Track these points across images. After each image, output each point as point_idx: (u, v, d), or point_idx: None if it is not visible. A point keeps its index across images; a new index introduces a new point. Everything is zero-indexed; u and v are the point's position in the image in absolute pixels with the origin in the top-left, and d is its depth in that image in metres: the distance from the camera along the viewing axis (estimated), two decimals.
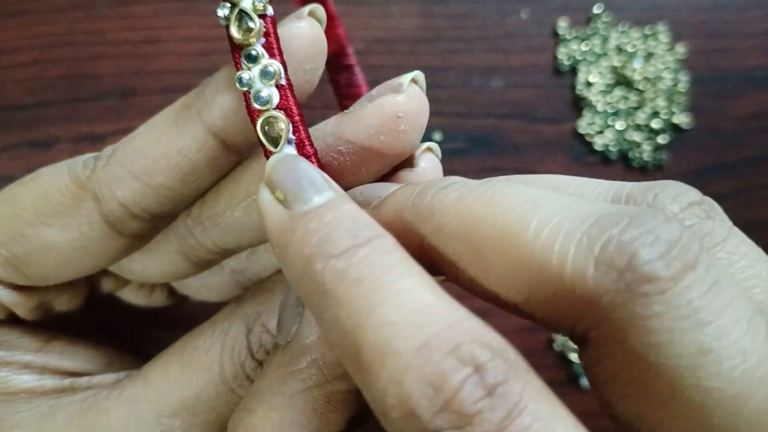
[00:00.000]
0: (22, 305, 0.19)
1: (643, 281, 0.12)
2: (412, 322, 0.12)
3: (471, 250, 0.13)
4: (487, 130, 0.37)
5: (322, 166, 0.16)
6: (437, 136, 0.37)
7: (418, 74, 0.16)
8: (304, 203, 0.13)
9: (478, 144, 0.37)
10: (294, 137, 0.15)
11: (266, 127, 0.15)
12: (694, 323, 0.12)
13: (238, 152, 0.17)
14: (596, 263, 0.12)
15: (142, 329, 0.23)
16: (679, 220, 0.14)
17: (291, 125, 0.15)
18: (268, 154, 0.16)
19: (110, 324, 0.23)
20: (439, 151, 0.17)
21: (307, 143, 0.16)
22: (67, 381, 0.18)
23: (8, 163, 0.36)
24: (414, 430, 0.11)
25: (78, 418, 0.17)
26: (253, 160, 0.18)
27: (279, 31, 0.16)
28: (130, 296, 0.22)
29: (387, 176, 0.17)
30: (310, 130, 0.17)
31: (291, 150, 0.16)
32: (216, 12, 0.15)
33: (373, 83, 0.37)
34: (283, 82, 0.15)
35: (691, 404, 0.12)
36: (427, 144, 0.17)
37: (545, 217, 0.12)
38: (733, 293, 0.12)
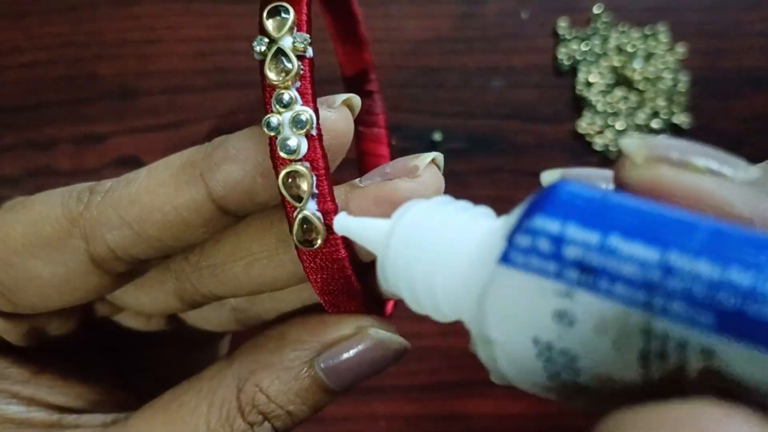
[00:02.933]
0: (11, 331, 0.19)
1: None
2: None
3: None
4: (488, 131, 0.37)
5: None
6: (437, 136, 0.37)
7: (438, 157, 0.16)
8: None
9: (478, 144, 0.37)
10: (317, 191, 0.15)
11: (289, 180, 0.15)
12: None
13: (235, 216, 0.17)
14: None
15: (141, 348, 0.23)
16: None
17: (315, 179, 0.15)
18: (288, 210, 0.15)
19: (108, 343, 0.23)
20: (442, 164, 0.17)
21: (329, 198, 0.15)
22: (56, 416, 0.18)
23: (8, 164, 0.36)
24: None
25: None
26: (257, 217, 0.17)
27: None
28: (128, 321, 0.22)
29: (387, 184, 0.16)
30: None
31: (313, 205, 0.15)
32: (252, 46, 0.14)
33: None
34: (314, 132, 0.14)
35: None
36: (432, 155, 0.16)
37: None
38: None
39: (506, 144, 0.37)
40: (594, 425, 0.10)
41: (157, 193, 0.16)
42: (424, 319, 0.37)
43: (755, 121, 0.38)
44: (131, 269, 0.18)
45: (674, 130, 0.38)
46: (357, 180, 0.16)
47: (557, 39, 0.39)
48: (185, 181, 0.16)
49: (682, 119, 0.38)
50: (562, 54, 0.38)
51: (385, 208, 0.15)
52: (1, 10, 0.38)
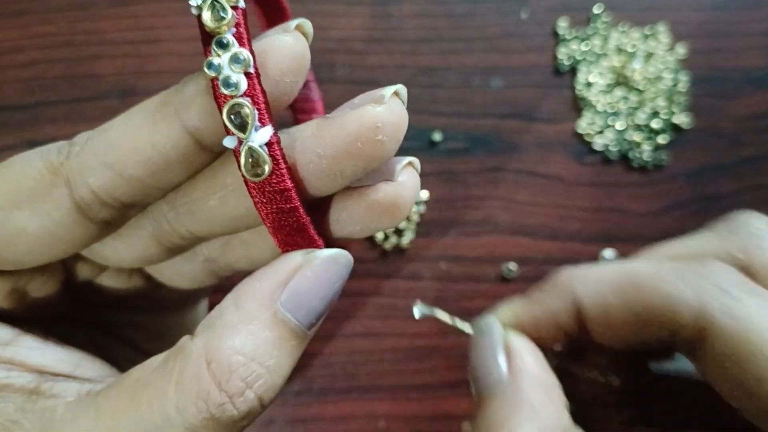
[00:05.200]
0: None
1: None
2: None
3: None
4: (487, 130, 0.37)
5: (296, 165, 0.16)
6: (437, 136, 0.37)
7: (401, 88, 0.17)
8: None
9: (478, 144, 0.37)
10: (259, 124, 0.16)
11: (232, 114, 0.15)
12: None
13: (212, 152, 0.17)
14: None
15: (119, 314, 0.24)
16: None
17: (257, 113, 0.15)
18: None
19: (87, 310, 0.23)
20: (419, 167, 0.18)
21: (272, 131, 0.16)
22: (34, 383, 0.18)
23: None
24: None
25: None
26: (230, 154, 0.17)
27: (264, 42, 0.16)
28: (107, 281, 0.22)
29: (366, 187, 0.17)
30: (291, 130, 0.17)
31: (257, 136, 0.16)
32: (189, 1, 0.16)
33: (372, 83, 0.37)
34: (252, 70, 0.15)
35: None
36: (408, 159, 0.17)
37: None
38: None
39: (506, 144, 0.37)
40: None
41: (134, 134, 0.17)
42: (424, 319, 0.37)
43: (755, 120, 0.38)
44: (114, 215, 0.18)
45: (674, 130, 0.38)
46: (327, 115, 0.17)
47: (557, 39, 0.39)
48: (161, 119, 0.17)
49: (682, 119, 0.38)
50: (562, 54, 0.38)
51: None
52: (0, 10, 0.38)
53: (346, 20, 0.38)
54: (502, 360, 0.20)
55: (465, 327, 0.22)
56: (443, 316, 0.22)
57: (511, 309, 0.21)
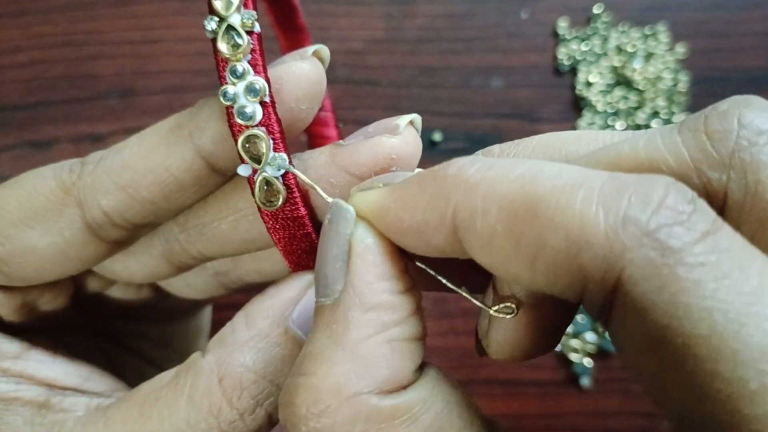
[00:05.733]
0: (5, 305, 0.19)
1: (760, 133, 0.13)
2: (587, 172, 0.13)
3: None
4: (487, 130, 0.37)
5: (309, 194, 0.16)
6: (437, 136, 0.37)
7: (416, 117, 0.17)
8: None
9: (478, 144, 0.37)
10: (274, 153, 0.16)
11: (247, 144, 0.15)
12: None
13: (224, 175, 0.17)
14: (709, 136, 0.14)
15: (127, 324, 0.24)
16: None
17: (272, 142, 0.15)
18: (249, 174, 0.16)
19: (103, 323, 0.23)
20: (419, 124, 0.17)
21: (287, 160, 0.16)
22: (43, 396, 0.18)
23: (8, 163, 0.36)
24: (628, 240, 0.11)
25: None
26: (244, 177, 0.18)
27: (280, 68, 0.16)
28: (117, 293, 0.22)
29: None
30: (304, 156, 0.17)
31: (272, 170, 0.16)
32: (203, 25, 0.15)
33: (372, 83, 0.37)
34: (267, 99, 0.15)
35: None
36: (411, 116, 0.17)
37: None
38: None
39: None
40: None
41: (148, 156, 0.17)
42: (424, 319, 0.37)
43: None
44: (124, 236, 0.18)
45: None
46: (340, 141, 0.17)
47: (557, 39, 0.39)
48: (175, 142, 0.17)
49: (682, 119, 0.38)
50: (562, 54, 0.38)
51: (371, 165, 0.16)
52: (0, 10, 0.38)
53: (346, 20, 0.38)
54: (340, 263, 0.15)
55: (326, 198, 0.16)
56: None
57: (375, 197, 0.15)
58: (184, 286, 0.22)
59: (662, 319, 0.11)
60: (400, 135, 0.16)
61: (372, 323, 0.14)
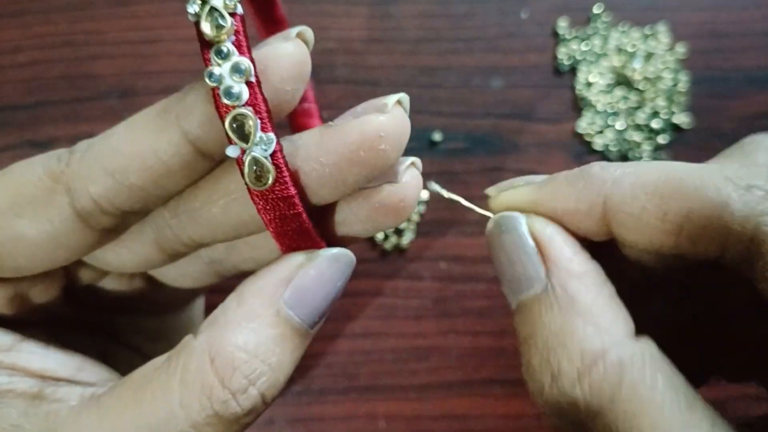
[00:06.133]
0: None
1: None
2: None
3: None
4: (487, 130, 0.37)
5: (299, 173, 0.16)
6: (437, 136, 0.37)
7: (403, 96, 0.17)
8: None
9: (478, 144, 0.37)
10: (262, 133, 0.16)
11: (235, 124, 0.15)
12: None
13: (212, 159, 0.17)
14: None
15: (119, 316, 0.24)
16: None
17: (260, 122, 0.15)
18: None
19: (96, 316, 0.23)
20: (420, 167, 0.18)
21: (275, 140, 0.16)
22: (36, 387, 0.18)
23: (8, 163, 0.36)
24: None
25: None
26: (233, 160, 0.18)
27: (264, 50, 0.16)
28: (109, 284, 0.22)
29: (370, 189, 0.17)
30: (293, 138, 0.17)
31: (260, 145, 0.16)
32: (186, 8, 0.15)
33: (372, 83, 0.37)
34: (253, 79, 0.15)
35: None
36: (411, 159, 0.17)
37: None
38: None
39: (506, 144, 0.37)
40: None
41: (136, 141, 0.17)
42: (424, 319, 0.37)
43: (755, 121, 0.38)
44: (115, 223, 0.18)
45: (674, 129, 0.38)
46: (329, 122, 0.17)
47: (557, 39, 0.39)
48: (162, 126, 0.17)
49: (682, 119, 0.38)
50: (562, 54, 0.38)
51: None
52: (0, 10, 0.38)
53: (346, 20, 0.38)
54: (534, 255, 0.17)
55: (485, 213, 0.18)
56: (458, 198, 0.19)
57: (528, 193, 0.18)
58: (179, 276, 0.22)
59: None
60: (388, 113, 0.16)
61: (592, 286, 0.16)
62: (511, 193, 0.18)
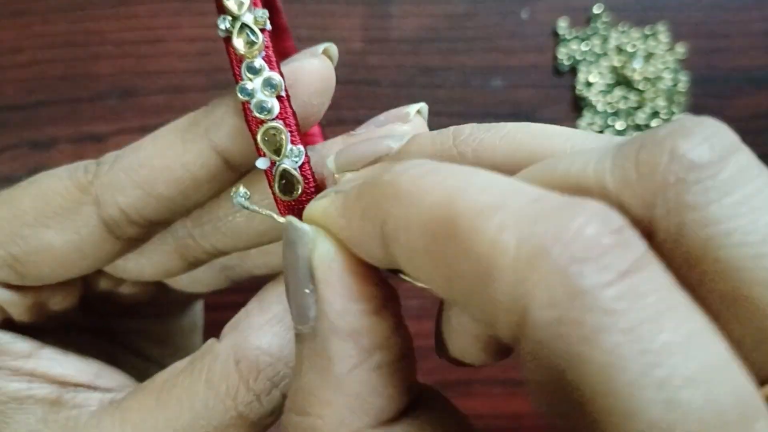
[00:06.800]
0: (17, 305, 0.19)
1: (690, 169, 0.11)
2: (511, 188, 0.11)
3: None
4: None
5: (323, 183, 0.17)
6: None
7: (423, 106, 0.17)
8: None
9: None
10: (291, 146, 0.16)
11: (266, 137, 0.16)
12: (751, 208, 0.11)
13: (238, 171, 0.18)
14: (637, 167, 0.12)
15: (126, 321, 0.24)
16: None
17: (290, 135, 0.16)
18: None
19: (103, 321, 0.23)
20: (426, 113, 0.18)
21: (304, 152, 0.16)
22: (55, 393, 0.18)
23: (8, 163, 0.36)
24: (540, 278, 0.10)
25: None
26: (257, 172, 0.18)
27: (293, 65, 0.17)
28: (124, 291, 0.23)
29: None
30: (317, 147, 0.18)
31: (291, 162, 0.16)
32: (217, 24, 0.16)
33: (372, 83, 0.37)
34: (283, 93, 0.16)
35: (756, 305, 0.11)
36: (419, 105, 0.18)
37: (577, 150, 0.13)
38: None
39: None
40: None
41: (164, 153, 0.17)
42: (424, 319, 0.37)
43: (755, 120, 0.38)
44: (140, 233, 0.18)
45: None
46: (352, 131, 0.17)
47: (557, 39, 0.39)
48: (191, 139, 0.17)
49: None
50: (562, 54, 0.38)
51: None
52: (0, 10, 0.38)
53: (346, 20, 0.38)
54: (308, 289, 0.13)
55: (279, 219, 0.16)
56: (257, 208, 0.16)
57: (323, 206, 0.14)
58: (190, 282, 0.23)
59: (563, 370, 0.10)
60: (411, 122, 0.17)
61: (353, 352, 0.13)
62: (316, 205, 0.14)
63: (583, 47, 0.38)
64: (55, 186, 0.18)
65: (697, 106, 0.38)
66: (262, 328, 0.17)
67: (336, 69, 0.33)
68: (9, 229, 0.18)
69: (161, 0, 0.38)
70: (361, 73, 0.37)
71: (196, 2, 0.37)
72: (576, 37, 0.38)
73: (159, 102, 0.36)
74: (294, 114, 0.16)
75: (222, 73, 0.37)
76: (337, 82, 0.40)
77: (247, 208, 0.16)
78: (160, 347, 0.25)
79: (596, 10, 0.39)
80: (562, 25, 0.38)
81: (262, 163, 0.16)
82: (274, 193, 0.16)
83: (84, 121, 0.36)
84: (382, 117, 0.18)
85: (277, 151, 0.16)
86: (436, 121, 0.37)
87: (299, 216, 0.16)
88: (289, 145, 0.16)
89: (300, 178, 0.16)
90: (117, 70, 0.37)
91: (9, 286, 0.19)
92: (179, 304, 0.25)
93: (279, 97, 0.16)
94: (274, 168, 0.16)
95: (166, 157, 0.17)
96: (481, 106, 0.38)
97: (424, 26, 0.38)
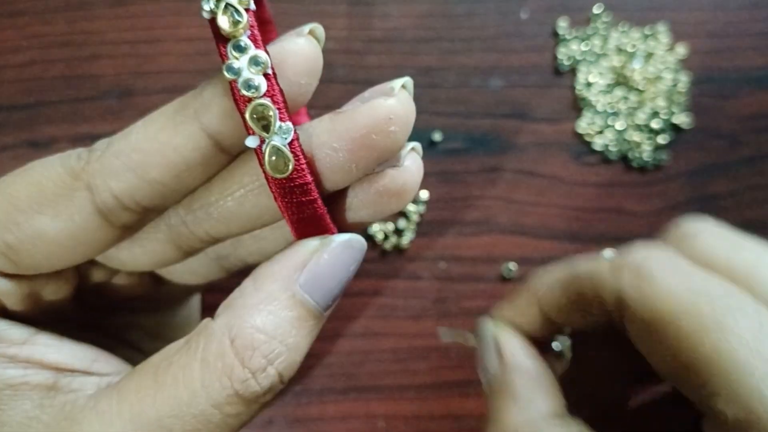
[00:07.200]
0: (11, 294, 0.19)
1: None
2: None
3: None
4: (487, 130, 0.37)
5: (313, 160, 0.17)
6: (437, 136, 0.37)
7: (408, 80, 0.17)
8: None
9: (477, 144, 0.37)
10: (281, 123, 0.16)
11: (255, 115, 0.16)
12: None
13: (230, 154, 0.18)
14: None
15: (120, 314, 0.24)
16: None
17: (278, 112, 0.16)
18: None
19: (98, 315, 0.23)
20: (421, 151, 0.18)
21: (293, 129, 0.16)
22: (52, 379, 0.18)
23: (7, 163, 0.36)
24: None
25: (55, 427, 0.17)
26: (247, 155, 0.18)
27: (279, 45, 0.17)
28: (117, 283, 0.23)
29: (374, 174, 0.18)
30: (304, 126, 0.17)
31: (280, 139, 0.16)
32: (201, 6, 0.16)
33: (372, 83, 0.37)
34: (270, 71, 0.16)
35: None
36: (411, 144, 0.18)
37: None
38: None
39: (505, 144, 0.37)
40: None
41: (155, 137, 0.17)
42: (424, 319, 0.37)
43: (755, 120, 0.38)
44: (134, 219, 0.18)
45: (674, 130, 0.38)
46: (338, 110, 0.17)
47: (557, 39, 0.39)
48: (181, 122, 0.17)
49: (682, 119, 0.38)
50: (562, 54, 0.38)
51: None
52: None
53: (346, 20, 0.38)
54: (493, 356, 0.22)
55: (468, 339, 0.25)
56: (464, 338, 0.25)
57: (501, 309, 0.24)
58: (185, 273, 0.23)
59: None
60: (395, 96, 0.17)
61: (526, 376, 0.21)
62: (497, 310, 0.24)
63: (583, 47, 0.38)
64: (49, 173, 0.18)
65: (697, 106, 0.38)
66: (257, 307, 0.17)
67: (336, 69, 0.32)
68: (3, 217, 0.18)
69: (160, 0, 0.38)
70: (361, 73, 0.37)
71: (196, 2, 0.37)
72: (576, 37, 0.38)
73: (158, 102, 0.36)
74: (281, 91, 0.16)
75: (220, 73, 0.37)
76: (337, 81, 0.40)
77: (452, 340, 0.24)
78: (154, 341, 0.25)
79: (596, 10, 0.39)
80: (562, 25, 0.38)
81: (251, 141, 0.16)
82: (265, 172, 0.16)
83: (83, 121, 0.36)
84: (366, 93, 0.18)
85: (266, 128, 0.16)
86: (436, 121, 0.37)
87: (290, 192, 0.17)
88: (278, 122, 0.16)
89: (290, 155, 0.16)
90: (116, 70, 0.37)
91: (3, 275, 0.19)
92: (175, 297, 0.25)
93: (266, 75, 0.16)
94: (264, 145, 0.16)
95: (157, 140, 0.17)
96: (480, 106, 0.38)
97: (424, 26, 0.38)
